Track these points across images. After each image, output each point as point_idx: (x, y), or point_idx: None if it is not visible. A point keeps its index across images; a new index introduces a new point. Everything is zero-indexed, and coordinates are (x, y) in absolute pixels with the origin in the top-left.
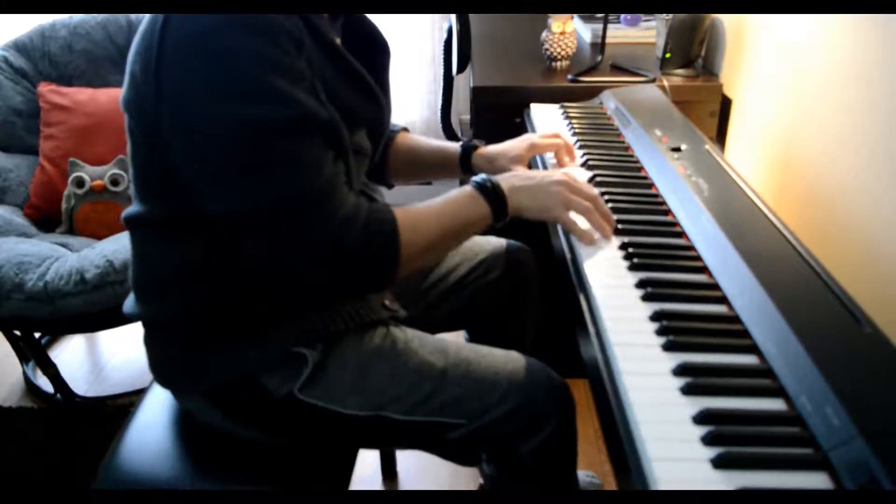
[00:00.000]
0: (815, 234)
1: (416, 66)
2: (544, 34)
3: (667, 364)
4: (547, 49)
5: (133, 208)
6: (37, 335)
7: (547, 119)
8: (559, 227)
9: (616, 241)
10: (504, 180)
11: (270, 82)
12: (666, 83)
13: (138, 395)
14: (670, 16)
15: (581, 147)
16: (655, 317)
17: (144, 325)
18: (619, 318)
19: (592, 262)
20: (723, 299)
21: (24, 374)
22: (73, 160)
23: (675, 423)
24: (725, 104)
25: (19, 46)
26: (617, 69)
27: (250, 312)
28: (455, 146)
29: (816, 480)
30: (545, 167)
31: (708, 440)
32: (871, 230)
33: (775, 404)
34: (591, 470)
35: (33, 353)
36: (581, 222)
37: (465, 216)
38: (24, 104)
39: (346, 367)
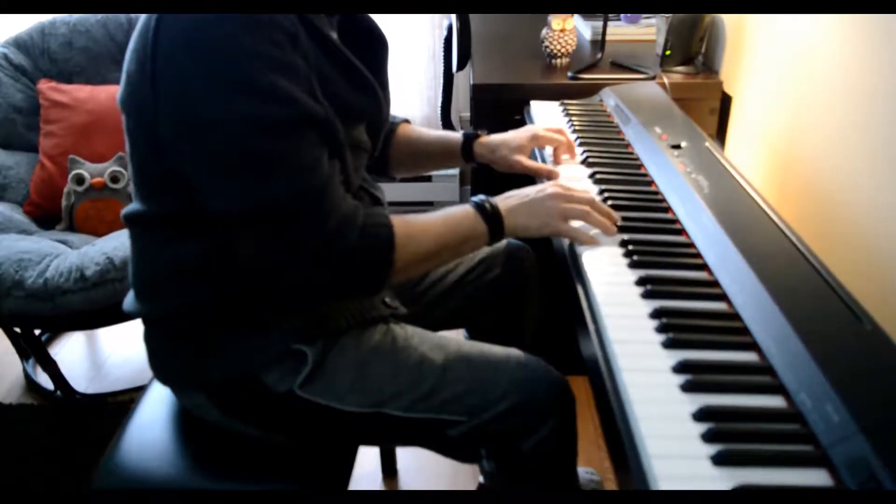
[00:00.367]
0: (815, 230)
1: (416, 63)
2: (544, 31)
3: (667, 361)
4: (547, 46)
5: (132, 206)
6: (37, 332)
7: (547, 116)
8: None
9: (616, 239)
10: (500, 201)
11: (265, 79)
12: (666, 80)
13: (138, 391)
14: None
15: (581, 144)
16: (655, 314)
17: (144, 323)
18: (619, 315)
19: (592, 259)
20: (723, 296)
21: (25, 371)
22: (72, 157)
23: (675, 420)
24: (725, 101)
25: (19, 43)
26: (617, 66)
27: (250, 310)
28: (457, 135)
29: (816, 477)
30: (544, 161)
31: (708, 437)
32: (871, 227)
33: (775, 401)
34: (592, 467)
35: (33, 351)
36: (583, 227)
37: (462, 233)
38: (24, 101)
39: (346, 365)
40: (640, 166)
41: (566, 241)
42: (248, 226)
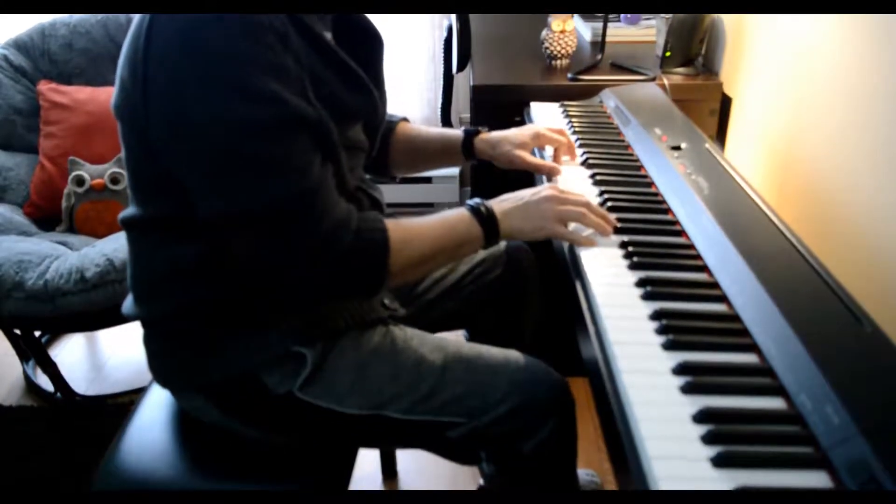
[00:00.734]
0: (814, 231)
1: (416, 64)
2: (544, 32)
3: (667, 363)
4: (547, 47)
5: (129, 210)
6: (37, 334)
7: (547, 118)
8: None
9: (616, 240)
10: (496, 204)
11: (256, 82)
12: (666, 82)
13: (138, 393)
14: (670, 14)
15: (581, 146)
16: (655, 315)
17: (143, 325)
18: (619, 317)
19: (592, 260)
20: (723, 298)
21: (24, 372)
22: (72, 158)
23: (675, 422)
24: (725, 103)
25: (19, 45)
26: (617, 68)
27: (248, 311)
28: (457, 132)
29: (816, 479)
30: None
31: (708, 439)
32: (871, 228)
33: (775, 403)
34: (591, 468)
35: (33, 352)
36: (580, 229)
37: (458, 237)
38: (24, 102)
39: (346, 366)
40: (640, 168)
41: (566, 243)
42: (240, 228)
